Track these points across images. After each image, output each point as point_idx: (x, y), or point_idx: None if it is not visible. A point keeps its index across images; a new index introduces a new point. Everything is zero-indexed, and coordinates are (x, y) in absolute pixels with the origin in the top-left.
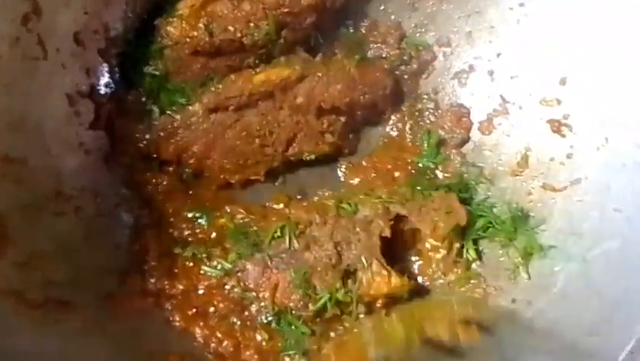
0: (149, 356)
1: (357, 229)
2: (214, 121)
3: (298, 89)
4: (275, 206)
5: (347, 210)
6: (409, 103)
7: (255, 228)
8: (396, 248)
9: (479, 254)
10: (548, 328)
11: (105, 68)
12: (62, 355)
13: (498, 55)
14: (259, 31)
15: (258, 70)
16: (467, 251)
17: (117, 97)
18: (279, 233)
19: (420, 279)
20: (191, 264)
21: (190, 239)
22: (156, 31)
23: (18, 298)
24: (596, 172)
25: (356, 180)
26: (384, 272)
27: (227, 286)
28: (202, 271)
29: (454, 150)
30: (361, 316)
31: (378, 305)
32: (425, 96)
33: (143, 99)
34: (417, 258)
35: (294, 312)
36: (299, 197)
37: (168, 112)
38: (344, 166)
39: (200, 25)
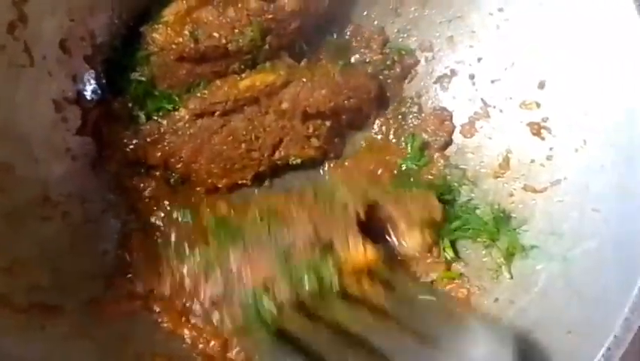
0: (136, 359)
1: (335, 211)
2: (200, 126)
3: (283, 95)
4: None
5: (325, 195)
6: (393, 107)
7: (236, 219)
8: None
9: (457, 253)
10: (528, 327)
11: (92, 74)
12: (48, 357)
13: (479, 59)
14: (244, 37)
15: (243, 75)
16: (444, 250)
17: (104, 103)
18: (258, 218)
19: None
20: (176, 262)
21: (174, 240)
22: (142, 38)
23: (2, 302)
24: (575, 173)
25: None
26: (361, 246)
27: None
28: (185, 266)
29: (437, 153)
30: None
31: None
32: (409, 100)
33: (130, 105)
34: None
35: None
36: None
37: (155, 117)
38: (328, 168)
39: (186, 31)
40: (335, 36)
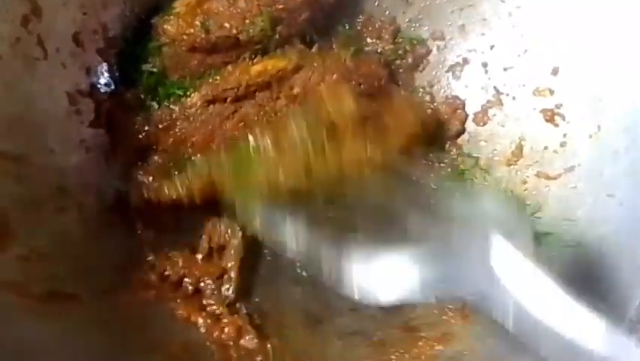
0: (151, 347)
1: None
2: (212, 112)
3: (294, 80)
4: None
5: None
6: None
7: None
8: None
9: None
10: None
11: (104, 67)
12: (65, 346)
13: (491, 47)
14: (254, 27)
15: (254, 61)
16: None
17: (116, 95)
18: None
19: None
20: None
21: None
22: (153, 29)
23: (21, 290)
24: (588, 159)
25: None
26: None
27: None
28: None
29: (449, 142)
30: None
31: None
32: (421, 89)
33: (142, 96)
34: None
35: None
36: None
37: (166, 104)
38: None
39: (197, 22)
40: (346, 26)
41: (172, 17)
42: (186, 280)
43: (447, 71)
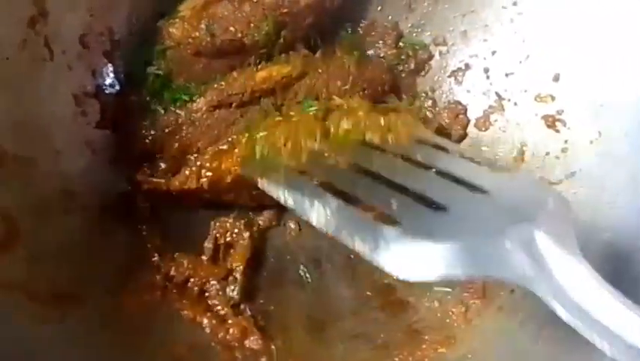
0: (156, 348)
1: None
2: (217, 117)
3: (299, 86)
4: None
5: None
6: (407, 101)
7: None
8: None
9: None
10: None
11: (110, 69)
12: (70, 346)
13: (493, 53)
14: (259, 31)
15: (259, 67)
16: None
17: (122, 97)
18: None
19: None
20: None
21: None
22: (159, 32)
23: (26, 291)
24: (589, 165)
25: None
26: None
27: None
28: None
29: None
30: None
31: None
32: (423, 94)
33: (147, 99)
34: None
35: None
36: None
37: (172, 109)
38: None
39: (202, 26)
40: (349, 31)
41: (177, 21)
42: (191, 281)
43: (449, 77)
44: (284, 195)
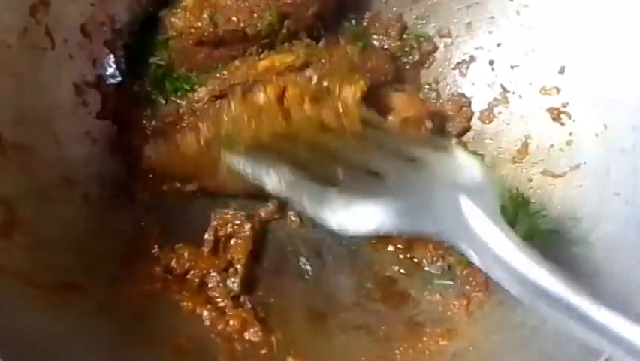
0: (156, 339)
1: None
2: (219, 107)
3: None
4: None
5: None
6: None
7: None
8: None
9: None
10: None
11: (111, 58)
12: (70, 335)
13: (498, 45)
14: (262, 21)
15: (262, 56)
16: None
17: (123, 87)
18: None
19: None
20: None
21: None
22: (161, 22)
23: (27, 280)
24: (595, 158)
25: None
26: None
27: None
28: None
29: (455, 139)
30: None
31: None
32: (427, 86)
33: (149, 89)
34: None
35: None
36: None
37: (173, 99)
38: None
39: (204, 16)
40: (353, 22)
41: (179, 10)
42: (191, 272)
43: (453, 69)
44: (243, 165)
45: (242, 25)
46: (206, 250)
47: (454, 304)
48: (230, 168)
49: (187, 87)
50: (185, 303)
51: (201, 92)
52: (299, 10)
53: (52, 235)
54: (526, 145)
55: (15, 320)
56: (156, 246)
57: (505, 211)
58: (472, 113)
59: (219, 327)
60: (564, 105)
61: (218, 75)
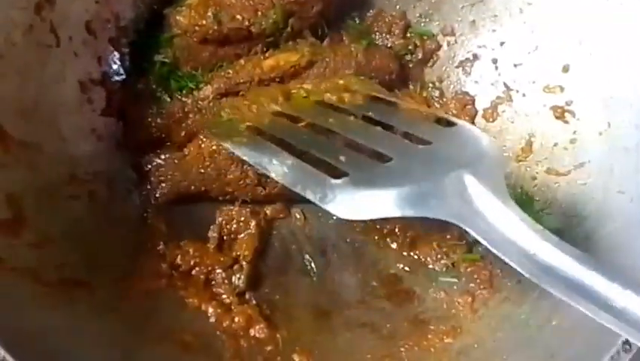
0: (162, 335)
1: None
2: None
3: (307, 75)
4: None
5: None
6: (415, 90)
7: None
8: None
9: None
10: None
11: (116, 56)
12: (77, 332)
13: (502, 43)
14: (266, 19)
15: (267, 55)
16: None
17: (128, 84)
18: None
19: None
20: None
21: None
22: (165, 20)
23: (34, 277)
24: (599, 156)
25: None
26: None
27: None
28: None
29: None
30: None
31: None
32: (430, 84)
33: (154, 86)
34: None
35: None
36: None
37: (178, 97)
38: None
39: (209, 14)
40: (357, 21)
41: (184, 8)
42: (197, 269)
43: (457, 67)
44: (246, 154)
45: (246, 23)
46: (212, 246)
47: (458, 302)
48: (231, 153)
49: (192, 85)
50: (190, 300)
51: (207, 91)
52: (303, 8)
53: (59, 233)
54: (530, 143)
55: (25, 318)
56: (162, 243)
57: None
58: (476, 111)
59: (225, 324)
60: (568, 104)
61: (223, 74)
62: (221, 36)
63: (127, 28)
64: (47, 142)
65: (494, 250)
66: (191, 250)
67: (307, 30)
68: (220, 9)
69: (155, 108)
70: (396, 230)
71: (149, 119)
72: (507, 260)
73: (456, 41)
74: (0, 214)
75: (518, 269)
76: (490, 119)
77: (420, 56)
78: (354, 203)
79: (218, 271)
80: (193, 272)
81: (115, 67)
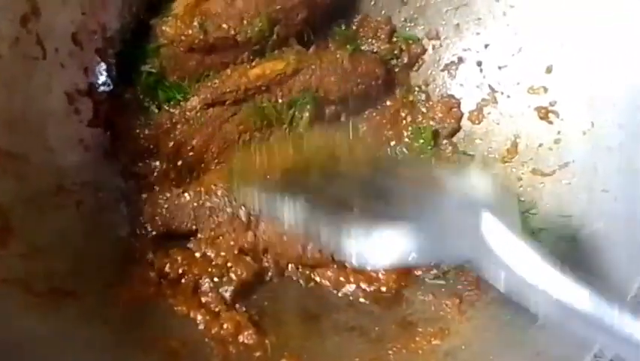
0: (150, 343)
1: None
2: (211, 115)
3: (293, 83)
4: None
5: None
6: (401, 95)
7: None
8: None
9: None
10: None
11: (103, 67)
12: (65, 341)
13: (486, 46)
14: (252, 28)
15: (253, 64)
16: None
17: (115, 95)
18: None
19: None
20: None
21: None
22: (152, 30)
23: (22, 287)
24: (583, 156)
25: None
26: None
27: None
28: None
29: (445, 140)
30: None
31: None
32: (416, 88)
33: (141, 97)
34: None
35: None
36: None
37: (166, 108)
38: None
39: (195, 23)
40: (342, 26)
41: (170, 18)
42: (185, 277)
43: (442, 70)
44: (257, 199)
45: (232, 32)
46: (199, 254)
47: (446, 304)
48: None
49: (179, 97)
50: (179, 307)
51: (194, 101)
52: (288, 15)
53: (47, 243)
54: (515, 144)
55: (10, 326)
56: (150, 251)
57: None
58: (462, 113)
59: (213, 330)
60: (552, 104)
61: (209, 84)
62: (207, 45)
63: (113, 38)
64: (34, 153)
65: (514, 296)
66: (179, 258)
67: (293, 37)
68: (206, 18)
69: (142, 119)
70: None
71: (137, 130)
72: (526, 303)
73: (441, 45)
74: None
75: (543, 312)
76: (476, 122)
77: (405, 60)
78: (368, 242)
79: (207, 279)
80: (181, 280)
81: (102, 78)
